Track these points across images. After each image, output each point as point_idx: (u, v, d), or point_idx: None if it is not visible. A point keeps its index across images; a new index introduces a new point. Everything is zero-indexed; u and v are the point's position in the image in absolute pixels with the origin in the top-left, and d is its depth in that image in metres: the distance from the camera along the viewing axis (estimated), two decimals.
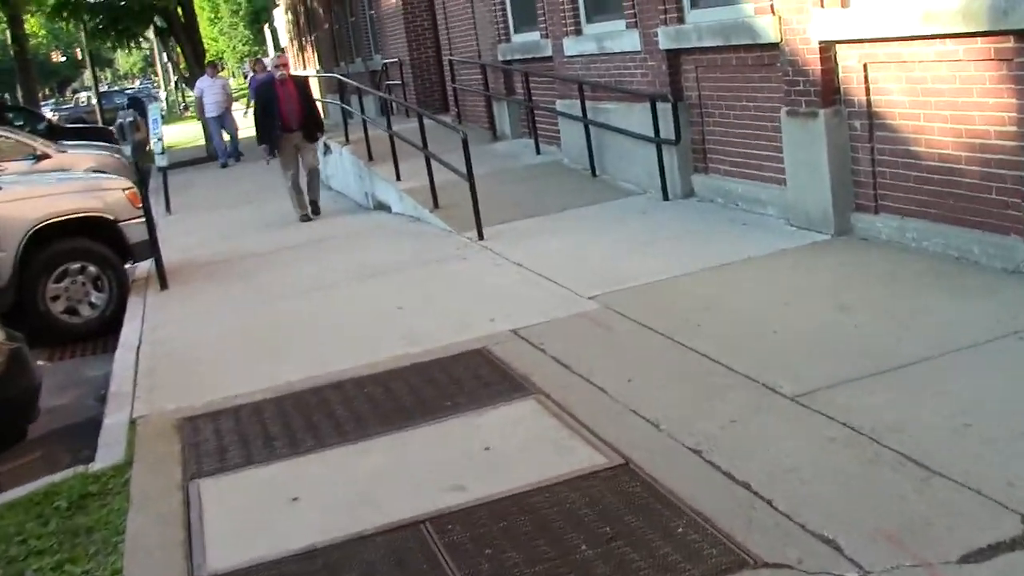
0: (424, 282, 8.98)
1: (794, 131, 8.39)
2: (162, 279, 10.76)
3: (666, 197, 10.51)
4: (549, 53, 13.26)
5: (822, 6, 7.79)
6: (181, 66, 27.47)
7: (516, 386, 6.09)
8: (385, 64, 22.05)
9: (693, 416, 5.24)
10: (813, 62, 8.01)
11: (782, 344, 6.08)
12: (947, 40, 6.79)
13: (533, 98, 14.14)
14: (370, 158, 14.68)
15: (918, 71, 7.18)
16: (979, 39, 6.55)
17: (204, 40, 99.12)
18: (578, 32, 12.37)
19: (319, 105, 15.54)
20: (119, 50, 27.82)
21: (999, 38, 6.40)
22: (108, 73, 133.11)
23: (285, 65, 14.50)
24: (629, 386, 5.79)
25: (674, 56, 10.21)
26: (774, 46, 8.50)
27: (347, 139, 16.45)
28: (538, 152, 14.10)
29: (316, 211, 14.23)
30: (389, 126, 13.59)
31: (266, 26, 60.18)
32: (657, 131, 10.39)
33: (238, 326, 8.56)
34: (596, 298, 7.53)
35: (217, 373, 7.37)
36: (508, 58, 15.15)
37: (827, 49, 7.94)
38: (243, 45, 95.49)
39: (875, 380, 5.33)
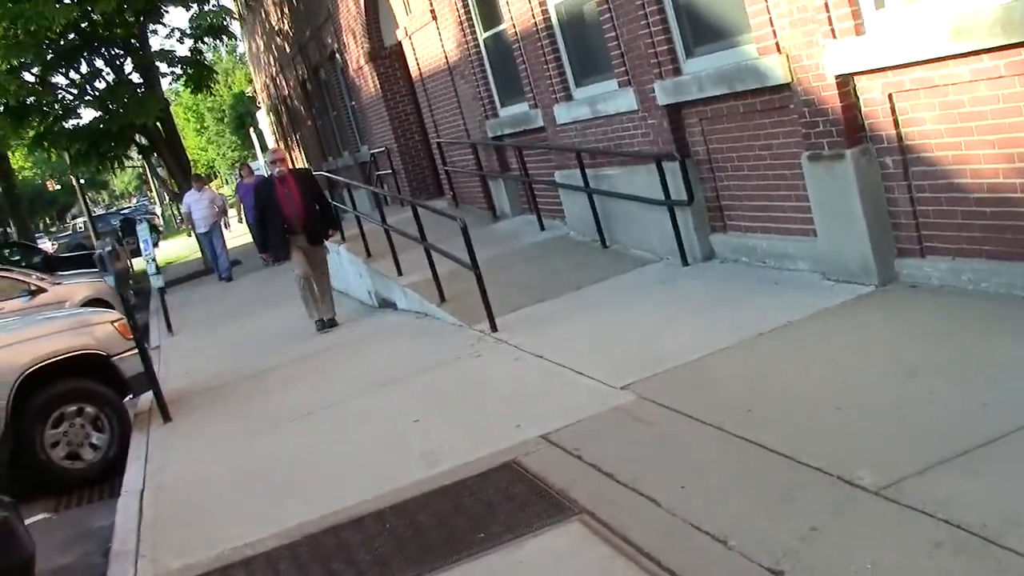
0: (439, 387, 8.26)
1: (819, 177, 7.70)
2: (164, 412, 10.06)
3: (685, 262, 9.81)
4: (540, 123, 12.64)
5: (834, 36, 7.13)
6: (169, 182, 27.02)
7: (556, 505, 5.34)
8: (373, 154, 21.53)
9: (765, 526, 4.48)
10: (831, 99, 7.35)
11: (850, 424, 5.33)
12: (984, 56, 6.11)
13: (530, 172, 13.52)
14: (368, 254, 14.02)
15: (953, 95, 6.49)
16: (1022, 50, 5.87)
17: (193, 151, 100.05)
18: (568, 97, 11.76)
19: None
20: (107, 172, 27.25)
21: None
22: (104, 195, 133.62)
23: (282, 160, 12.78)
24: (683, 494, 5.04)
25: (675, 111, 9.57)
26: (785, 87, 7.84)
27: (343, 237, 15.80)
28: (542, 228, 13.43)
29: (332, 324, 12.76)
30: (383, 219, 12.92)
31: (251, 129, 60.36)
32: (667, 193, 9.72)
33: (245, 461, 7.82)
34: (630, 387, 6.79)
35: (226, 519, 6.64)
36: (498, 133, 14.55)
37: (845, 83, 7.27)
38: (232, 151, 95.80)
39: (970, 460, 4.57)
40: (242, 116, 78.87)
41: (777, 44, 7.75)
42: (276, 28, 29.43)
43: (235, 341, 14.07)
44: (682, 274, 9.58)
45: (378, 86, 20.08)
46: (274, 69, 33.46)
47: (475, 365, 8.58)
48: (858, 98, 7.29)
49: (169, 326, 17.00)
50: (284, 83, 32.69)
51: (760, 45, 7.96)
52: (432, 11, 15.37)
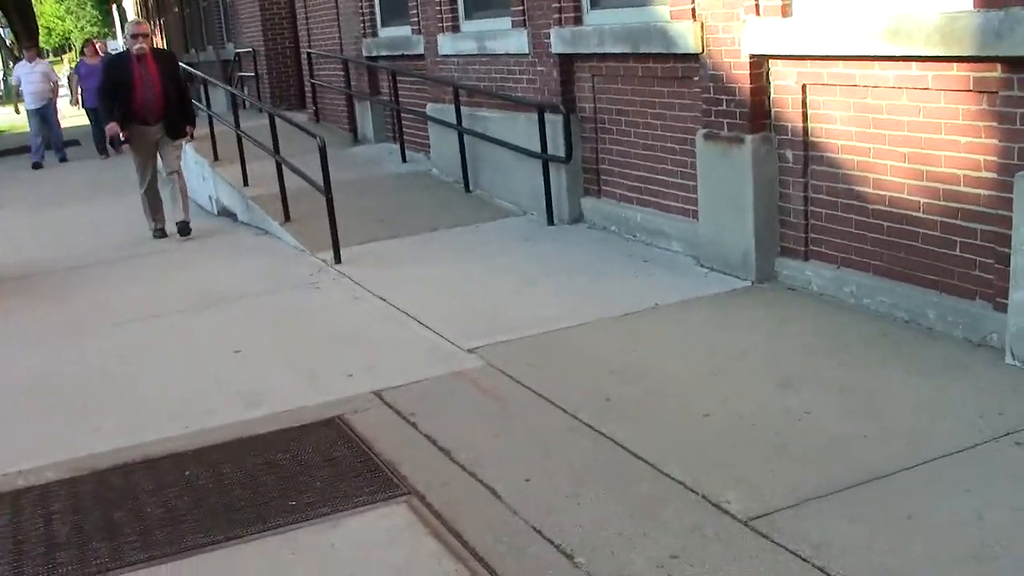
0: (269, 317, 7.52)
1: (712, 157, 7.20)
2: None
3: (551, 221, 9.25)
4: (421, 51, 11.87)
5: (758, 13, 6.60)
6: (12, 47, 24.98)
7: (382, 479, 4.71)
8: (238, 54, 20.35)
9: (620, 545, 3.94)
10: (741, 79, 6.83)
11: (719, 434, 4.82)
12: (913, 63, 5.65)
13: (400, 100, 12.73)
14: (215, 158, 13.08)
15: (871, 98, 6.03)
16: (956, 65, 5.41)
17: (49, 17, 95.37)
18: (455, 28, 11.01)
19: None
20: None
21: (984, 65, 5.27)
22: None
23: (145, 36, 10.71)
24: (528, 488, 4.47)
25: (568, 62, 8.95)
26: (693, 57, 7.29)
27: (191, 136, 14.78)
28: (404, 160, 12.69)
29: (185, 231, 10.93)
30: (237, 124, 11.95)
31: (114, 6, 57.52)
32: (544, 146, 9.12)
33: (37, 371, 6.90)
34: (478, 351, 6.20)
35: (1, 437, 5.80)
36: (373, 54, 13.70)
37: (759, 65, 6.76)
38: (91, 26, 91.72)
39: (850, 498, 4.11)
40: None
41: (693, 10, 7.18)
42: None
43: (60, 228, 12.90)
44: (547, 234, 9.01)
45: None
46: None
47: (311, 297, 7.86)
48: (769, 83, 6.80)
49: None
50: None
51: (675, 8, 7.38)
52: None
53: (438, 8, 11.09)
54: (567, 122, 8.84)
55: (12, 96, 20.27)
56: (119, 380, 6.49)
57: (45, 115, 19.40)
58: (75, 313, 8.24)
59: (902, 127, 5.87)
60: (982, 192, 5.48)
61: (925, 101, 5.69)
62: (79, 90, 20.04)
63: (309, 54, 16.32)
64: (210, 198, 13.18)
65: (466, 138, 10.69)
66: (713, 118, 7.14)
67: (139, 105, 10.53)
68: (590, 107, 8.83)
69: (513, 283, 7.61)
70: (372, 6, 13.71)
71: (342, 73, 14.83)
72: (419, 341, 6.55)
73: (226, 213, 12.36)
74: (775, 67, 6.72)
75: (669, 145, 7.93)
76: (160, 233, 11.08)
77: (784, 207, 6.88)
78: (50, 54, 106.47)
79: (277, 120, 10.54)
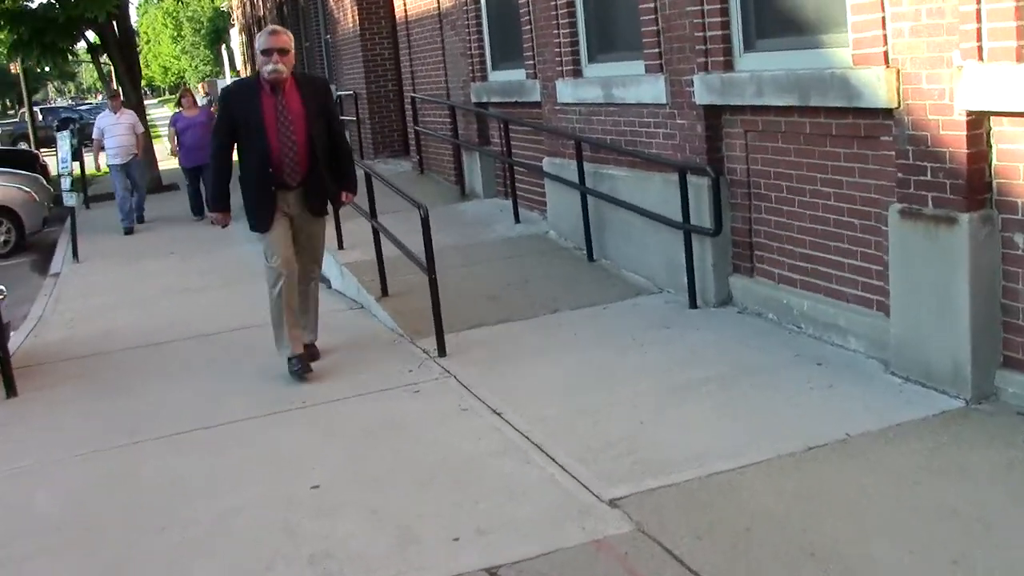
0: (357, 432, 6.13)
1: (911, 239, 5.68)
2: (8, 384, 7.86)
3: (693, 303, 7.79)
4: (537, 98, 10.51)
5: (980, 58, 5.09)
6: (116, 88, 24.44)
7: None
8: (340, 96, 19.26)
9: None
10: (954, 141, 5.32)
11: None
12: None
13: (513, 152, 11.41)
14: None
15: None
16: None
17: (167, 58, 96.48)
18: (577, 73, 9.62)
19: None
20: (47, 64, 24.51)
21: None
22: (71, 86, 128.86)
23: (284, 52, 7.00)
24: None
25: (715, 114, 7.51)
26: (885, 113, 5.80)
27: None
28: (517, 220, 11.28)
29: (309, 362, 7.39)
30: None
31: (223, 47, 57.44)
32: (686, 213, 7.67)
33: (78, 495, 5.64)
34: (622, 504, 4.74)
35: None
36: (484, 100, 12.40)
37: (978, 123, 5.26)
38: (204, 65, 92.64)
39: None
40: (219, 31, 76.06)
41: (886, 54, 5.69)
42: None
43: (145, 286, 11.82)
44: (690, 320, 7.54)
45: (357, 22, 17.83)
46: None
47: (409, 406, 6.48)
48: (991, 147, 5.28)
49: (75, 252, 14.75)
50: (261, 2, 30.21)
51: (859, 52, 5.90)
52: None
53: (557, 49, 9.72)
54: (715, 186, 7.38)
55: (95, 151, 17.28)
56: (170, 519, 5.14)
57: (129, 172, 16.98)
58: (136, 412, 6.96)
59: None
60: None
61: None
62: (175, 142, 17.41)
63: (413, 98, 15.11)
64: None
65: (590, 199, 9.28)
66: (912, 190, 5.63)
67: (273, 158, 7.06)
68: (742, 168, 7.37)
69: (658, 392, 6.14)
70: (482, 46, 12.42)
71: (449, 120, 13.55)
72: (546, 485, 5.10)
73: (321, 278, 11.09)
74: (1000, 127, 5.21)
75: (846, 219, 6.42)
76: (299, 368, 7.23)
77: (1010, 306, 5.34)
78: (166, 92, 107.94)
79: (377, 172, 9.23)
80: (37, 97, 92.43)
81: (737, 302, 7.63)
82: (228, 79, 50.75)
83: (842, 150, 6.35)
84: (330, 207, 7.86)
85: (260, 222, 7.21)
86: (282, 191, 7.18)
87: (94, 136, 17.31)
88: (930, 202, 5.52)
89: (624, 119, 8.70)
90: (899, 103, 5.62)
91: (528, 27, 10.62)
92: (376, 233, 8.95)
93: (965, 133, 5.25)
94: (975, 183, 5.30)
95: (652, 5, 7.96)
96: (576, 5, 9.48)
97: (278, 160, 7.06)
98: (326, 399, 6.79)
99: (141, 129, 17.72)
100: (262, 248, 7.38)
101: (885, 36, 5.68)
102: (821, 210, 6.65)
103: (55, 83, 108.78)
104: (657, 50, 8.01)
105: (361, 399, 6.71)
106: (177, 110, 18.22)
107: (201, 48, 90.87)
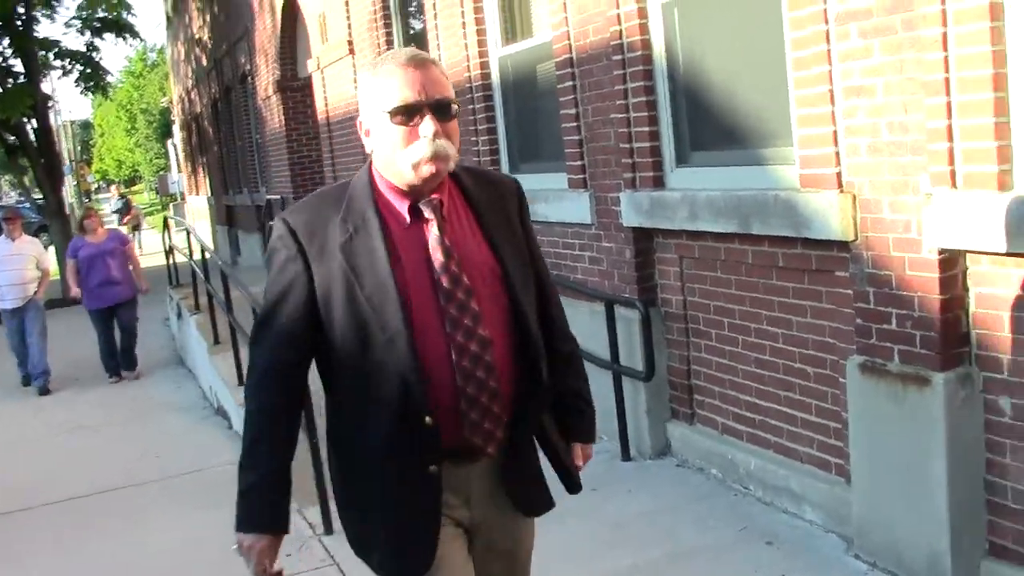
0: None
1: (874, 400, 4.68)
2: None
3: (626, 454, 6.74)
4: None
5: (954, 184, 4.14)
6: (31, 191, 23.06)
7: None
8: (269, 200, 18.27)
9: None
10: (924, 285, 4.35)
11: None
12: None
13: None
14: (216, 340, 10.75)
15: None
16: None
17: (121, 151, 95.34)
18: None
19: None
20: None
21: None
22: (3, 182, 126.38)
23: (447, 110, 2.77)
24: None
25: (645, 237, 6.55)
26: (840, 245, 4.84)
27: (197, 304, 12.54)
28: None
29: None
30: (229, 307, 9.52)
31: (169, 142, 56.10)
32: (615, 353, 6.66)
33: None
34: None
35: None
36: None
37: (951, 263, 4.30)
38: (157, 158, 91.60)
39: None
40: (167, 125, 75.25)
41: (839, 175, 4.74)
42: (196, 37, 26.10)
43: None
44: (621, 477, 6.47)
45: (283, 122, 16.90)
46: (190, 82, 30.01)
47: None
48: (968, 290, 4.31)
49: None
50: (198, 99, 29.31)
51: (807, 171, 4.95)
52: (350, 43, 12.26)
53: (476, 158, 8.76)
54: (646, 320, 6.37)
55: None
56: None
57: (24, 320, 12.56)
58: None
59: None
60: None
61: None
62: (76, 278, 12.71)
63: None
64: (210, 388, 10.84)
65: None
66: (875, 340, 4.65)
67: (433, 389, 2.72)
68: (678, 300, 6.38)
69: None
70: None
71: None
72: None
73: (222, 412, 9.98)
74: (978, 266, 4.25)
75: (797, 366, 5.43)
76: None
77: (996, 483, 4.33)
78: (122, 185, 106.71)
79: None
80: None
81: (676, 453, 6.59)
82: (175, 177, 48.86)
83: (791, 284, 5.37)
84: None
85: (400, 556, 2.82)
86: (454, 468, 2.84)
87: None
88: (896, 356, 4.53)
89: (548, 239, 7.71)
90: (856, 235, 4.66)
91: None
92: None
93: (937, 275, 4.28)
94: (950, 335, 4.32)
95: (574, 112, 7.02)
96: (495, 108, 8.54)
97: (449, 391, 2.74)
98: None
99: (47, 264, 13.14)
100: None
101: (838, 154, 4.73)
102: (768, 352, 5.65)
103: None
104: (580, 163, 7.06)
105: None
106: (77, 234, 13.68)
107: (152, 141, 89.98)
